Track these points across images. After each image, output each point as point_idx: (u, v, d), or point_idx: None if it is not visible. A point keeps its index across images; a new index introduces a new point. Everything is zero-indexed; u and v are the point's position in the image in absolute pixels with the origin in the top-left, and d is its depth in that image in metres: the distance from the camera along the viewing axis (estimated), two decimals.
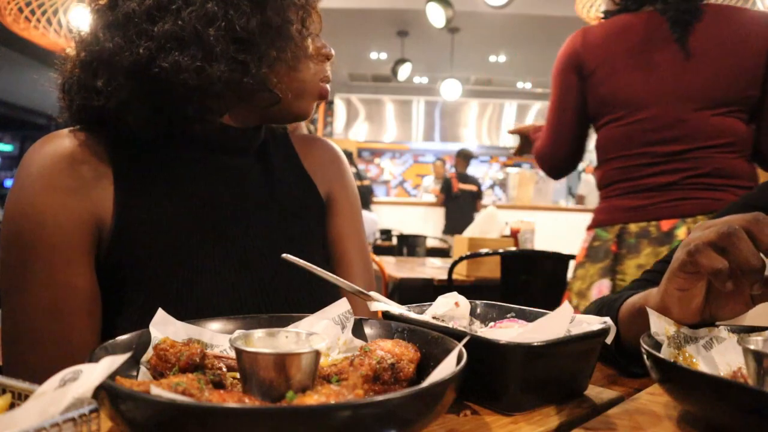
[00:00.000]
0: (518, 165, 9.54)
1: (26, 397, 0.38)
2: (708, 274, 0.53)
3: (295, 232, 0.84)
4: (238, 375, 0.43)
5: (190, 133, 0.75)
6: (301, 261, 0.59)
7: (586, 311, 0.83)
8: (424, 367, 0.48)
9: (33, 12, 3.42)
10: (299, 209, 0.87)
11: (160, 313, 0.52)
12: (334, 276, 0.59)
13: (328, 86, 0.84)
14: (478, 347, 0.47)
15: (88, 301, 0.68)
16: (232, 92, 0.70)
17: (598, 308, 0.80)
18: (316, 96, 0.83)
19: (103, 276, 0.70)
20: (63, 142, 0.70)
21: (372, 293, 0.61)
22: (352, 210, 0.96)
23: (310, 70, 0.80)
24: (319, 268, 0.59)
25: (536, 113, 8.53)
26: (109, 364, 0.34)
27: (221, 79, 0.67)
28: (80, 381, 0.33)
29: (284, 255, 0.59)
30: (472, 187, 6.38)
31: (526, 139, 1.86)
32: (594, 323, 0.55)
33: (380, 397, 0.33)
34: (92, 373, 0.33)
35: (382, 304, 0.59)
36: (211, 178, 0.78)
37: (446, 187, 6.42)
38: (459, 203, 6.24)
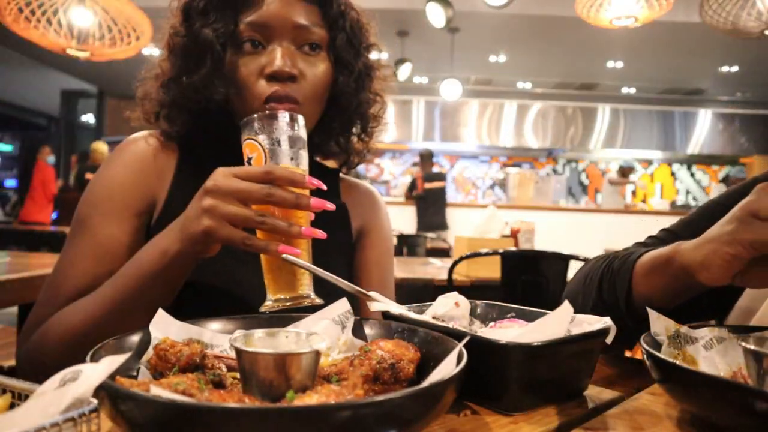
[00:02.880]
0: (518, 165, 9.55)
1: (26, 397, 0.38)
2: None
3: (319, 249, 0.83)
4: (238, 375, 0.43)
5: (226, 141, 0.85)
6: (300, 261, 0.59)
7: (579, 271, 0.81)
8: (424, 367, 0.48)
9: (33, 12, 3.42)
10: (327, 241, 0.87)
11: (160, 313, 0.52)
12: (334, 276, 0.59)
13: (276, 106, 0.78)
14: (478, 347, 0.47)
15: (128, 254, 0.75)
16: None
17: (604, 265, 0.77)
18: None
19: None
20: (148, 140, 0.88)
21: (372, 293, 0.61)
22: (382, 246, 1.00)
23: (246, 92, 0.80)
24: (318, 269, 0.59)
25: (536, 113, 8.54)
26: (109, 364, 0.34)
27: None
28: (80, 381, 0.33)
29: (283, 255, 0.59)
30: (440, 184, 6.52)
31: None
32: (594, 323, 0.55)
33: (380, 397, 0.33)
34: (92, 373, 0.33)
35: (381, 304, 0.59)
36: None
37: (412, 187, 6.71)
38: (427, 201, 6.43)
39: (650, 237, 0.93)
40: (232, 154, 0.82)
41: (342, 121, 0.92)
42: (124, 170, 0.84)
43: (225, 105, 0.84)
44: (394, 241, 1.06)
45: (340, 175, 1.02)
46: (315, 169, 0.95)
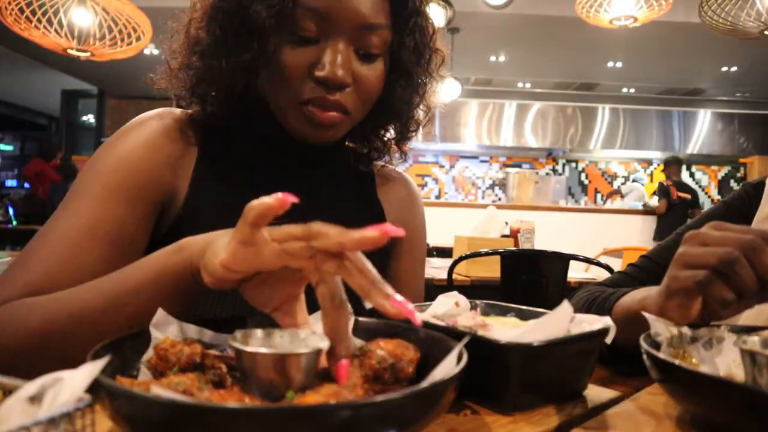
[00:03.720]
0: (518, 165, 9.54)
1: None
2: (716, 305, 0.54)
3: None
4: (238, 375, 0.43)
5: (260, 134, 0.79)
6: None
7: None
8: (424, 367, 0.48)
9: (34, 12, 3.43)
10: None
11: (160, 313, 0.52)
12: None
13: (318, 111, 0.70)
14: (478, 347, 0.47)
15: (126, 242, 0.68)
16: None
17: (586, 304, 0.81)
18: (301, 119, 0.72)
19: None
20: (170, 118, 0.77)
21: None
22: (417, 255, 0.93)
23: (286, 86, 0.70)
24: None
25: (536, 113, 8.53)
26: (90, 369, 0.33)
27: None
28: (63, 388, 0.32)
29: None
30: (687, 196, 6.30)
31: None
32: (594, 323, 0.55)
33: (380, 397, 0.33)
34: (74, 381, 0.32)
35: None
36: (282, 184, 0.77)
37: (664, 194, 6.31)
38: (674, 212, 6.17)
39: (631, 265, 0.96)
40: (261, 145, 0.79)
41: (382, 122, 0.84)
42: (141, 144, 0.72)
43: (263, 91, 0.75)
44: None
45: (374, 163, 0.92)
46: (350, 164, 0.87)
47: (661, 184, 6.50)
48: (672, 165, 6.66)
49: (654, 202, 6.55)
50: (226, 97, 0.74)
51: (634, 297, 0.70)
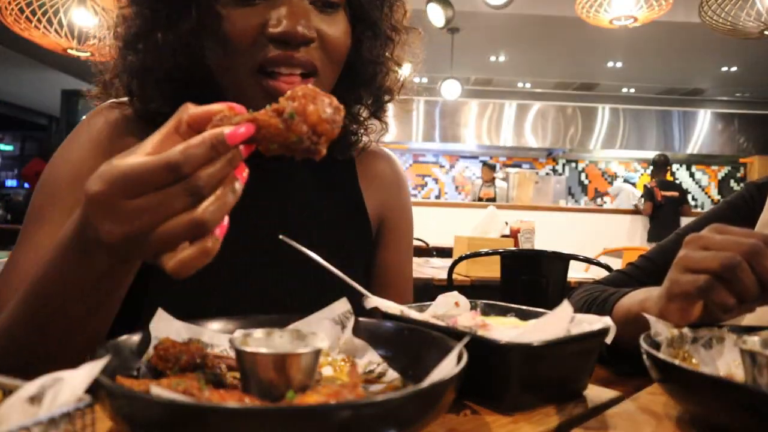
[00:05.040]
0: (518, 165, 9.54)
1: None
2: (717, 310, 0.54)
3: (331, 251, 0.70)
4: (238, 375, 0.43)
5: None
6: (299, 246, 0.58)
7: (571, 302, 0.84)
8: (424, 367, 0.48)
9: (34, 12, 3.43)
10: (341, 231, 0.80)
11: (160, 313, 0.52)
12: (331, 267, 0.58)
13: (283, 81, 0.61)
14: (478, 347, 0.47)
15: None
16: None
17: (586, 304, 0.81)
18: (259, 89, 0.63)
19: None
20: (115, 113, 0.73)
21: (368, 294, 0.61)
22: (404, 242, 0.89)
23: (238, 54, 0.61)
24: (317, 256, 0.58)
25: (536, 113, 8.54)
26: (90, 370, 0.33)
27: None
28: (62, 388, 0.32)
29: (281, 237, 0.57)
30: (674, 194, 6.29)
31: None
32: (594, 323, 0.55)
33: (380, 397, 0.33)
34: (74, 381, 0.32)
35: (378, 300, 0.59)
36: (251, 174, 0.74)
37: (649, 196, 6.32)
38: (663, 211, 6.16)
39: (630, 264, 0.97)
40: None
41: (354, 91, 0.76)
42: (88, 150, 0.70)
43: (211, 73, 0.67)
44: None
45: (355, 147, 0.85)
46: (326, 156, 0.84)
47: (645, 186, 6.51)
48: (658, 163, 6.65)
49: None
50: (168, 85, 0.67)
51: (634, 298, 0.70)
